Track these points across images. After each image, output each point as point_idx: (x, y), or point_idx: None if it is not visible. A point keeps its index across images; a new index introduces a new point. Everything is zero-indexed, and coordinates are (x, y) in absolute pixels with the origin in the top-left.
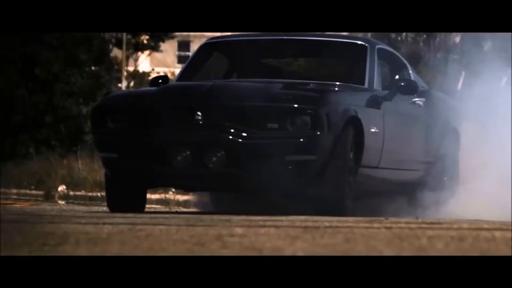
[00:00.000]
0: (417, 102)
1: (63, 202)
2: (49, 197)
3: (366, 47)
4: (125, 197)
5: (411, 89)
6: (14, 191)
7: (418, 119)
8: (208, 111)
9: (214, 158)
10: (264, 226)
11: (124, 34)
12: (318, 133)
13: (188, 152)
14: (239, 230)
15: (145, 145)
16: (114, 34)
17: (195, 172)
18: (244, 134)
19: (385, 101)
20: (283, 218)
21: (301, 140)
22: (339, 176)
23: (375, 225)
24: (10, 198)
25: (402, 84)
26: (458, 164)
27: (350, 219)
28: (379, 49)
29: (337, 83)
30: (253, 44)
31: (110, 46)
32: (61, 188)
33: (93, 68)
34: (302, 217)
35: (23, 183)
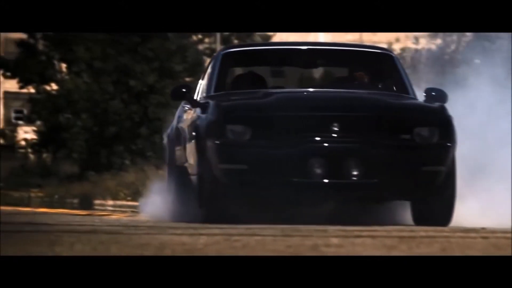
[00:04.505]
0: None
1: None
2: None
3: (393, 56)
4: (230, 208)
5: (442, 98)
6: (110, 202)
7: None
8: (345, 122)
9: (354, 170)
10: (360, 236)
11: (218, 44)
12: (449, 144)
13: (327, 164)
14: (335, 240)
15: (281, 157)
16: (207, 44)
17: (336, 185)
18: (383, 145)
19: None
20: (379, 228)
21: (436, 151)
22: (454, 186)
23: (472, 234)
24: (107, 209)
25: (434, 94)
26: None
27: (446, 228)
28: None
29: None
30: (276, 53)
31: (204, 57)
32: None
33: (187, 79)
34: (398, 227)
35: (119, 194)
